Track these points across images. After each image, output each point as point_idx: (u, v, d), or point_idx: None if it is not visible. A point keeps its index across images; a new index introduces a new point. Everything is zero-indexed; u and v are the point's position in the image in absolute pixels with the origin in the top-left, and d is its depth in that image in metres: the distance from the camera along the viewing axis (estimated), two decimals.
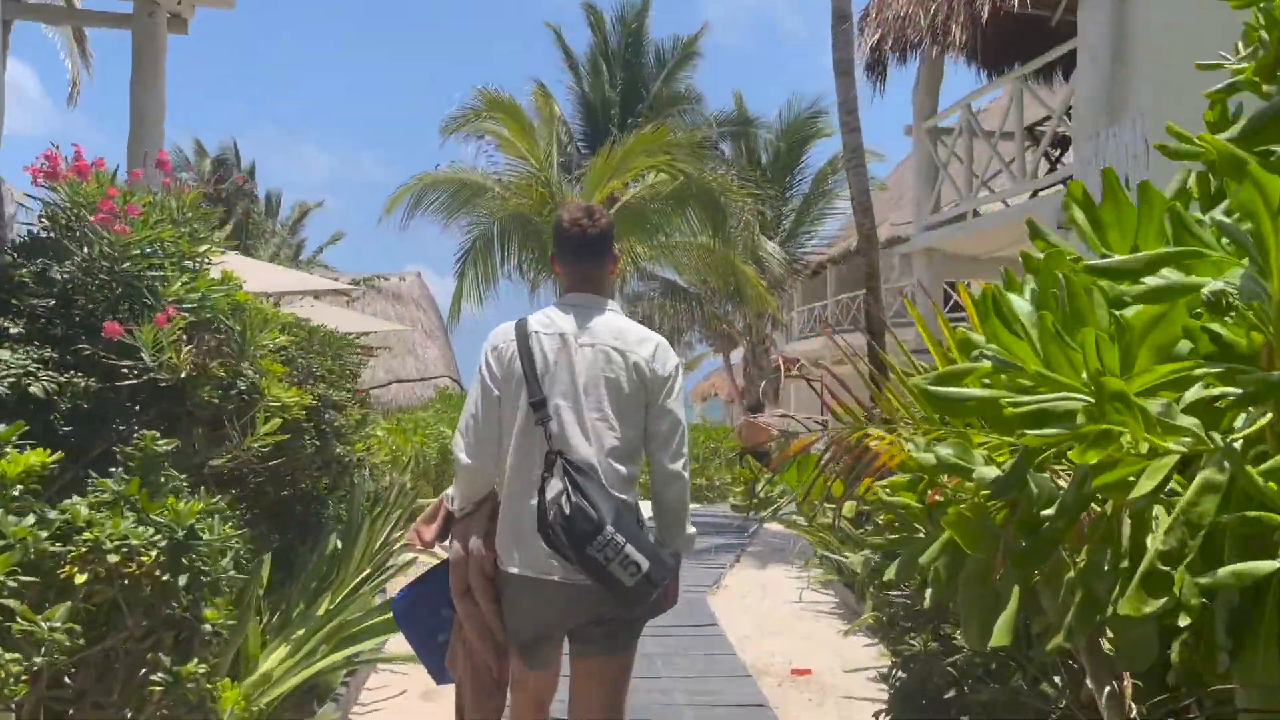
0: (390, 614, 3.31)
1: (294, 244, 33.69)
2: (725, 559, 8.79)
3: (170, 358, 3.26)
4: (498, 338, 2.68)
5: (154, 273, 3.49)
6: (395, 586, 3.88)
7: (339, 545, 4.98)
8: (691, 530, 2.73)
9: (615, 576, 2.42)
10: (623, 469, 2.60)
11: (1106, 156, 6.22)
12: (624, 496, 2.57)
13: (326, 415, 4.67)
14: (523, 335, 2.63)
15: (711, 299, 25.75)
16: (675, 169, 11.49)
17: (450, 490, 2.77)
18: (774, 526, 11.47)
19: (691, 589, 7.30)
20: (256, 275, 10.20)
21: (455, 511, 2.72)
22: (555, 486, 2.48)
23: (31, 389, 3.09)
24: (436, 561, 2.86)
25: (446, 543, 2.76)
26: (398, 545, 5.29)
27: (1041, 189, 7.99)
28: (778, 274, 22.11)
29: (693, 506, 2.89)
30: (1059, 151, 8.50)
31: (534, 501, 2.50)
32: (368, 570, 5.18)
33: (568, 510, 2.43)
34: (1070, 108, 7.83)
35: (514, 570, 2.57)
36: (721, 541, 9.78)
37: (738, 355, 36.58)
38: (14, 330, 3.24)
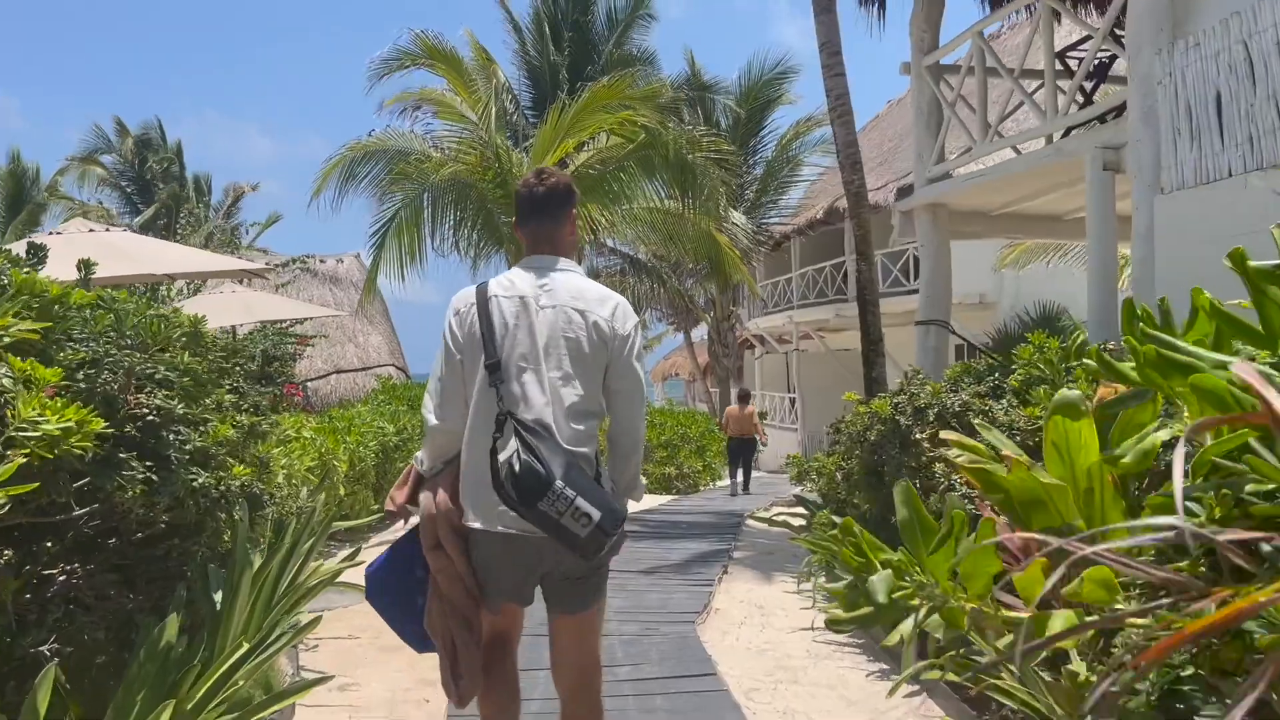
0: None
1: (228, 229, 31.85)
2: (712, 571, 7.56)
3: None
4: (459, 302, 2.75)
5: None
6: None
7: (217, 605, 3.63)
8: (642, 482, 2.91)
9: (567, 528, 2.49)
10: (581, 426, 2.67)
11: (1183, 73, 5.04)
12: (581, 449, 2.64)
13: (172, 436, 3.32)
14: (482, 299, 2.70)
15: (675, 273, 24.54)
16: (636, 126, 10.16)
17: (420, 453, 2.88)
18: (755, 523, 10.25)
19: (678, 617, 6.05)
20: (150, 255, 8.71)
21: (425, 473, 2.82)
22: (509, 446, 2.55)
23: None
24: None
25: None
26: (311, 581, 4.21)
27: (1076, 126, 6.77)
28: (744, 245, 20.92)
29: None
30: (1093, 84, 7.32)
31: (488, 460, 2.57)
32: (262, 634, 3.85)
33: (517, 468, 2.50)
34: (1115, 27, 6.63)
35: (475, 525, 2.66)
36: (706, 548, 8.54)
37: (699, 332, 35.47)
38: None
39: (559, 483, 2.49)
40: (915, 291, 21.25)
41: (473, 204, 10.28)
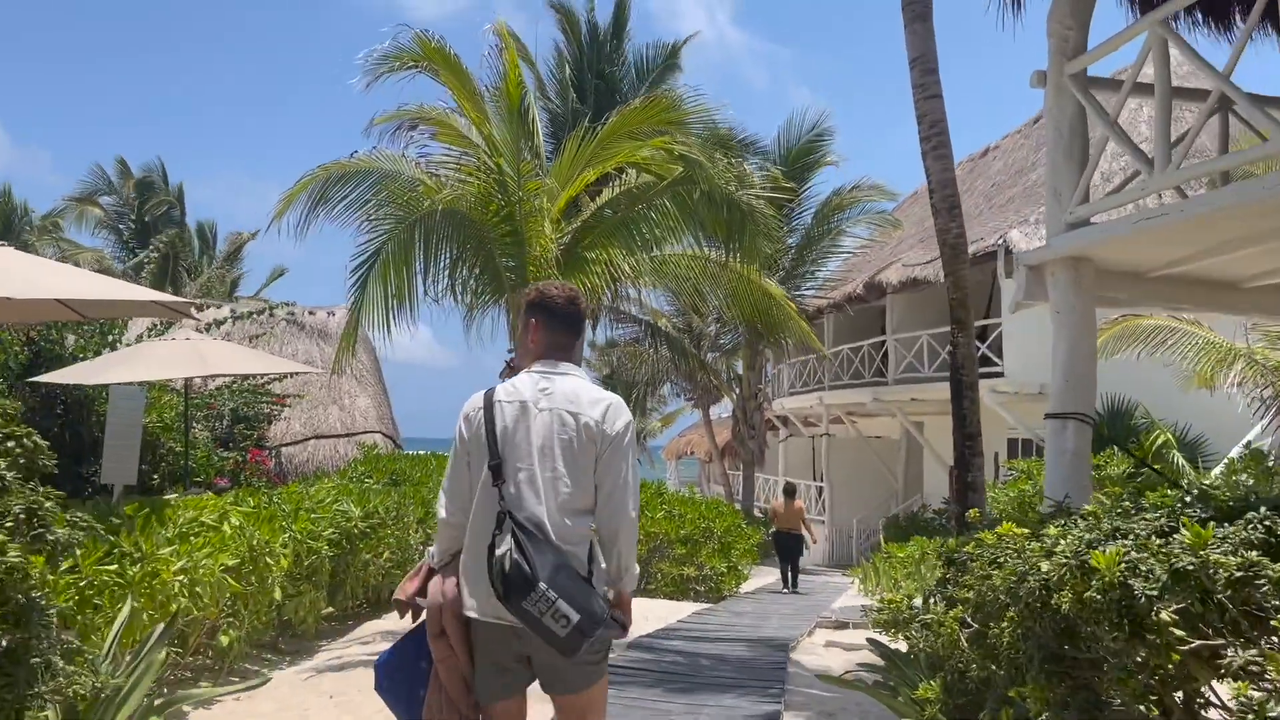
0: None
1: (229, 279, 30.23)
2: None
3: None
4: (469, 407, 2.97)
5: None
6: None
7: None
8: (635, 570, 3.00)
9: (548, 627, 2.66)
10: (571, 523, 2.84)
11: None
12: (572, 548, 2.82)
13: None
14: (488, 404, 2.92)
15: (697, 344, 22.65)
16: (673, 155, 8.30)
17: (432, 547, 3.04)
18: (811, 658, 8.08)
19: None
20: (21, 278, 6.66)
21: (435, 565, 2.99)
22: (505, 543, 2.73)
23: None
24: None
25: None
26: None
27: None
28: (778, 316, 18.99)
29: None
30: None
31: (486, 554, 2.77)
32: None
33: (507, 567, 2.69)
34: None
35: (472, 614, 2.85)
36: (746, 710, 6.16)
37: (717, 410, 33.45)
38: None
39: (543, 585, 2.67)
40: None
41: (472, 241, 8.37)
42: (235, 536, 7.04)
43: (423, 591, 2.98)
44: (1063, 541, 3.55)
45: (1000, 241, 17.28)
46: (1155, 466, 8.89)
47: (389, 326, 7.89)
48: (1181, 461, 15.33)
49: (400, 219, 8.09)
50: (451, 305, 8.66)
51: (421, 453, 16.66)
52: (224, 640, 6.74)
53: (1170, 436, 15.37)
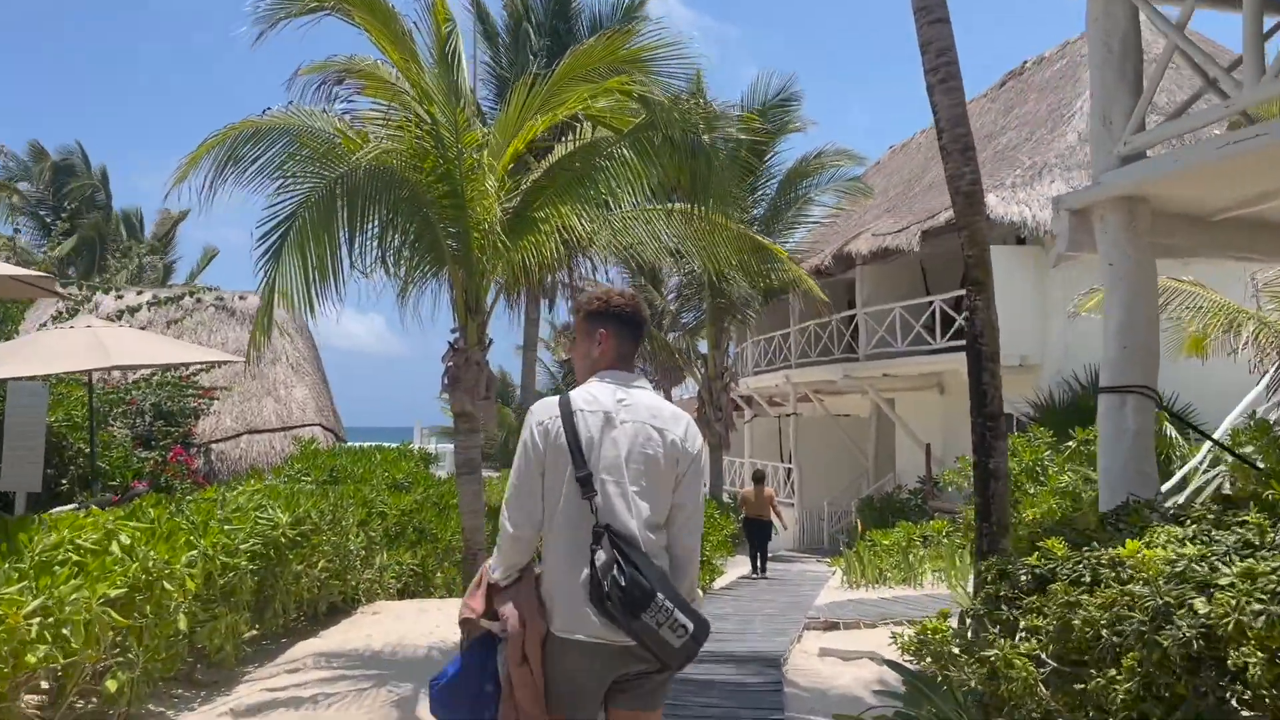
0: None
1: (160, 266, 28.57)
2: None
3: None
4: (542, 413, 2.85)
5: None
6: None
7: None
8: (699, 593, 3.14)
9: (665, 639, 2.64)
10: (655, 538, 2.79)
11: None
12: (660, 562, 2.77)
13: None
14: (567, 413, 2.82)
15: (660, 320, 21.58)
16: (633, 100, 7.19)
17: (491, 561, 2.91)
18: (807, 675, 7.07)
19: None
20: None
21: (500, 581, 2.83)
22: (602, 557, 2.66)
23: None
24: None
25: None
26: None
27: None
28: (744, 291, 18.00)
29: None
30: None
31: (584, 571, 2.69)
32: None
33: (624, 582, 2.61)
34: None
35: (561, 634, 2.73)
36: None
37: (680, 391, 32.39)
38: None
39: (660, 595, 2.63)
40: (941, 350, 18.50)
41: (405, 204, 7.20)
42: (124, 559, 5.87)
43: (489, 610, 2.87)
44: (1224, 568, 2.54)
45: None
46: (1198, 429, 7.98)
47: (310, 304, 6.70)
48: (1174, 435, 14.60)
49: (321, 178, 6.89)
50: (388, 282, 7.45)
51: (365, 445, 15.45)
52: (111, 686, 5.58)
53: (1160, 410, 14.60)
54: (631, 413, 2.85)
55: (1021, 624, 3.54)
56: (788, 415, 23.83)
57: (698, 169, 7.26)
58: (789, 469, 23.53)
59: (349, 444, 15.81)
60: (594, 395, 2.87)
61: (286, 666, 7.64)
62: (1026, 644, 3.43)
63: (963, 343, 16.98)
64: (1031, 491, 14.36)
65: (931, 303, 18.01)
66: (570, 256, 7.86)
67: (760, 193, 18.94)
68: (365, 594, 10.65)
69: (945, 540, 13.90)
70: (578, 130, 8.33)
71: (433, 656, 7.97)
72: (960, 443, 19.48)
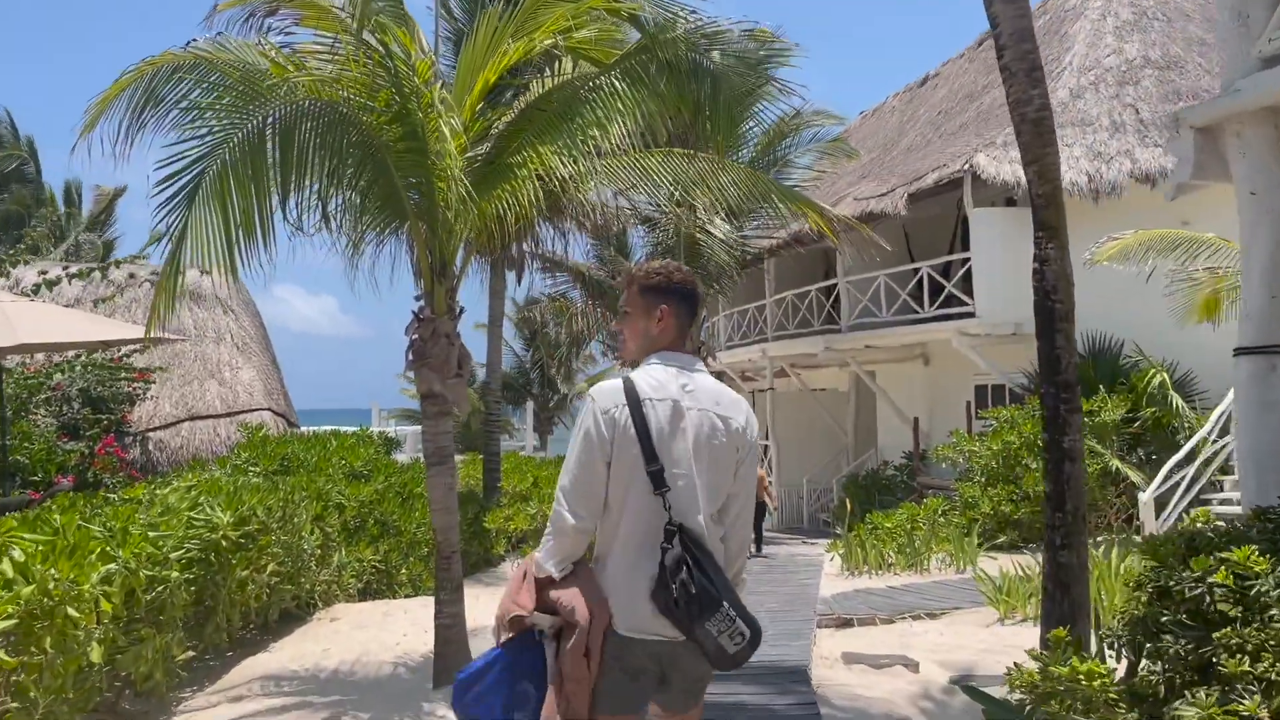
0: None
1: (100, 244, 26.92)
2: None
3: None
4: (606, 400, 2.70)
5: None
6: None
7: None
8: (745, 577, 2.87)
9: (723, 646, 2.60)
10: (716, 529, 2.73)
11: None
12: (716, 554, 2.69)
13: None
14: (635, 402, 2.68)
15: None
16: (623, 20, 6.12)
17: (539, 554, 2.76)
18: (840, 689, 6.11)
19: None
20: None
21: (555, 574, 2.71)
22: (675, 556, 2.59)
23: None
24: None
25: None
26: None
27: None
28: (722, 261, 17.00)
29: None
30: None
31: (651, 569, 2.62)
32: None
33: (694, 589, 2.56)
34: None
35: (626, 633, 2.65)
36: None
37: None
38: None
39: (725, 604, 2.59)
40: (928, 319, 17.66)
41: (355, 149, 6.08)
42: (16, 581, 4.75)
43: (542, 605, 2.71)
44: None
45: (966, 167, 15.51)
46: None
47: (232, 265, 5.54)
48: (1180, 404, 13.90)
49: (247, 114, 5.73)
50: (319, 232, 6.32)
51: (319, 430, 14.28)
52: None
53: (1166, 376, 13.88)
54: (696, 400, 2.74)
55: (1224, 668, 2.59)
56: (763, 390, 22.94)
57: (701, 94, 6.21)
58: (765, 446, 22.67)
59: (302, 429, 14.62)
60: (659, 381, 2.73)
61: (229, 693, 6.56)
62: (1245, 702, 2.47)
63: (951, 310, 16.06)
64: (1033, 466, 13.63)
65: (918, 269, 17.14)
66: (551, 208, 6.78)
67: (735, 156, 17.86)
68: (322, 597, 9.56)
69: (942, 519, 13.09)
70: (557, 67, 7.24)
71: (399, 675, 6.92)
72: (946, 415, 18.73)
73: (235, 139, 5.66)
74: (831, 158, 17.96)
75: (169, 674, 6.28)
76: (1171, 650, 2.87)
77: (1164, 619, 2.95)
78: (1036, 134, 5.01)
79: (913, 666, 6.63)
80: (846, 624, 8.40)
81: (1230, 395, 13.88)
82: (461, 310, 6.64)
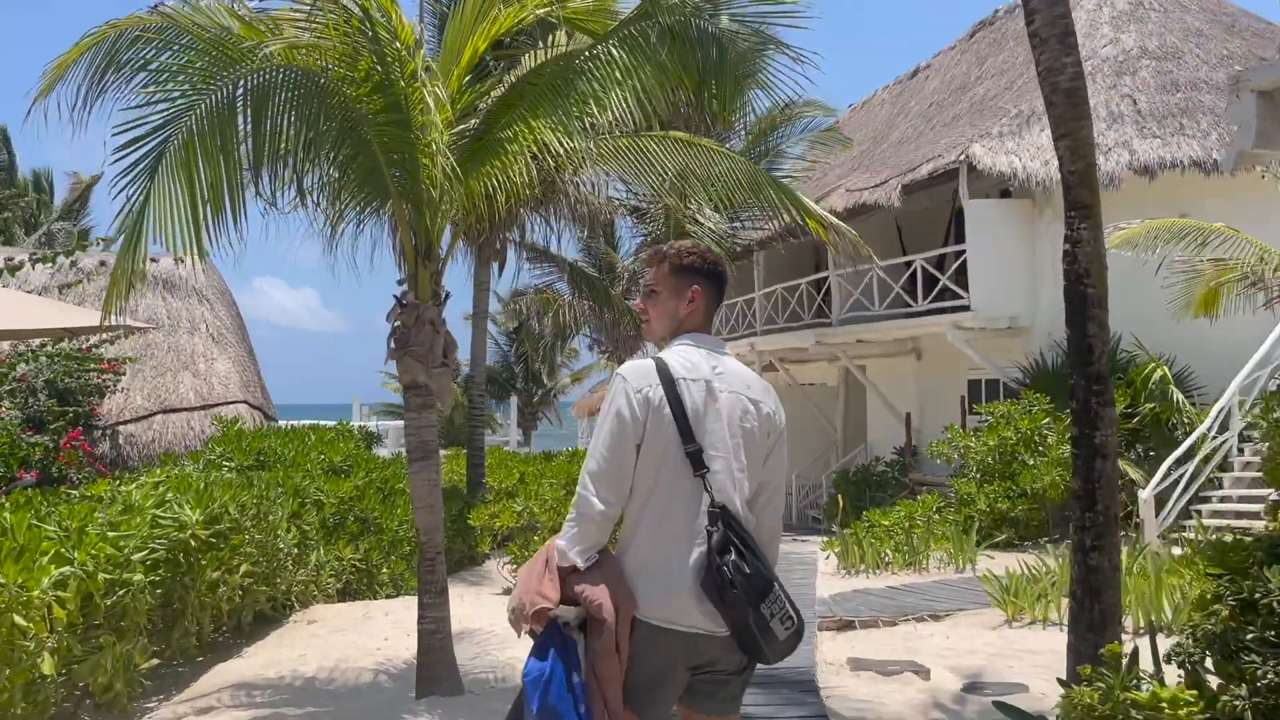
0: None
1: (74, 233, 26.31)
2: None
3: None
4: (638, 379, 2.60)
5: None
6: None
7: None
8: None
9: (773, 631, 2.50)
10: (751, 517, 2.64)
11: None
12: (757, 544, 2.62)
13: None
14: (669, 381, 2.60)
15: (616, 284, 20.08)
16: None
17: (561, 542, 2.63)
18: (847, 700, 5.76)
19: None
20: None
21: (580, 563, 2.59)
22: (720, 538, 2.51)
23: None
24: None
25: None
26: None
27: None
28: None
29: None
30: None
31: (693, 555, 2.54)
32: None
33: (748, 569, 2.48)
34: None
35: (656, 622, 2.54)
36: None
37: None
38: None
39: (777, 585, 2.53)
40: (922, 313, 17.34)
41: (334, 121, 5.67)
42: None
43: (566, 596, 2.58)
44: None
45: (962, 158, 15.19)
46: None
47: (198, 243, 5.11)
48: (1181, 399, 13.65)
49: (217, 81, 5.31)
50: (293, 210, 5.91)
51: (298, 424, 13.84)
52: None
53: (1167, 371, 13.62)
54: (727, 383, 2.67)
55: None
56: None
57: (705, 63, 5.83)
58: None
59: (279, 423, 14.17)
60: (691, 361, 2.65)
61: (196, 703, 6.15)
62: None
63: (945, 304, 15.73)
64: (1030, 463, 13.36)
65: (911, 262, 16.83)
66: (540, 194, 6.40)
67: (727, 145, 17.51)
68: (299, 598, 9.15)
69: (938, 516, 12.78)
70: (551, 39, 6.86)
71: (380, 683, 6.52)
72: (938, 411, 18.44)
73: (204, 106, 5.24)
74: (824, 147, 17.62)
75: (131, 684, 5.88)
76: (1260, 673, 2.52)
77: (1249, 636, 2.60)
78: (1070, 105, 4.67)
79: (923, 673, 6.30)
80: (848, 626, 8.06)
81: (1229, 391, 13.71)
82: (447, 296, 6.25)
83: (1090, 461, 4.72)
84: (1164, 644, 3.13)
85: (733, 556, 2.48)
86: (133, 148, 4.95)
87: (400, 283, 6.15)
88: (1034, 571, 8.53)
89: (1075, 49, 4.70)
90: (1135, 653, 3.16)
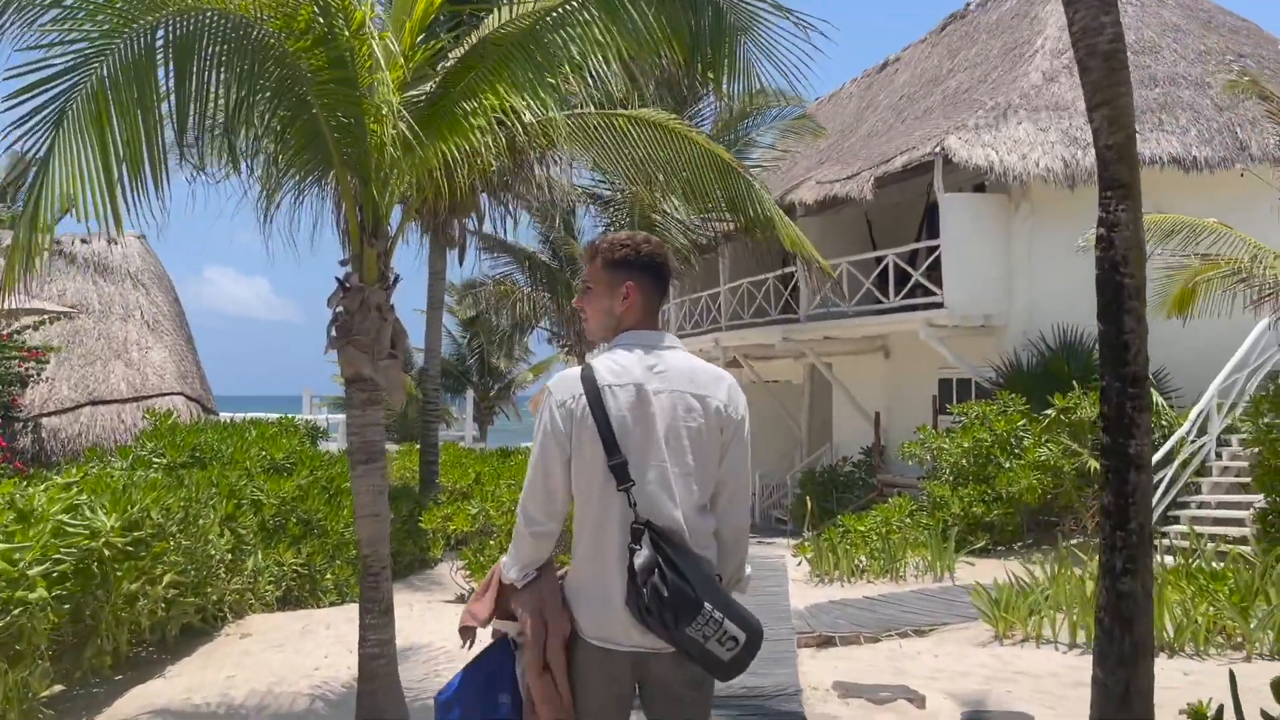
0: None
1: (7, 217, 25.02)
2: None
3: None
4: (563, 391, 2.49)
5: None
6: None
7: None
8: (748, 571, 2.65)
9: (710, 652, 2.37)
10: (705, 523, 2.50)
11: None
12: (707, 554, 2.48)
13: None
14: (592, 389, 2.46)
15: (576, 275, 19.45)
16: None
17: (505, 559, 2.60)
18: (826, 704, 5.20)
19: None
20: None
21: (516, 582, 2.56)
22: (644, 557, 2.37)
23: None
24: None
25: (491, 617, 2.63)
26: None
27: None
28: (679, 244, 16.06)
29: None
30: None
31: (620, 573, 2.41)
32: None
33: (666, 592, 2.33)
34: None
35: (592, 641, 2.46)
36: None
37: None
38: None
39: (708, 605, 2.35)
40: (893, 310, 16.90)
41: (270, 78, 4.97)
42: None
43: (503, 614, 2.56)
44: None
45: (937, 150, 14.73)
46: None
47: (113, 208, 4.40)
48: (1161, 402, 13.30)
49: (136, 26, 4.59)
50: (227, 175, 5.21)
51: (240, 417, 13.03)
52: None
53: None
54: (666, 380, 2.49)
55: None
56: None
57: (700, 26, 5.22)
58: None
59: (220, 416, 13.34)
60: (621, 365, 2.49)
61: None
62: None
63: (917, 301, 15.26)
64: (1006, 465, 12.94)
65: (883, 258, 16.38)
66: (510, 164, 5.78)
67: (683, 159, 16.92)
68: (233, 608, 8.42)
69: (910, 520, 12.32)
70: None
71: (316, 711, 5.85)
72: (906, 410, 18.03)
73: (119, 52, 4.52)
74: (795, 136, 17.10)
75: (28, 715, 5.15)
76: None
77: None
78: (1108, 69, 4.11)
79: (917, 700, 5.77)
80: (828, 643, 7.53)
81: (1208, 394, 13.43)
82: (397, 279, 5.58)
83: (1123, 474, 4.18)
84: (1167, 665, 2.59)
85: (653, 577, 2.34)
86: (34, 93, 4.22)
87: (344, 263, 5.47)
88: (1022, 583, 8.05)
89: (1115, 7, 4.15)
90: (1220, 713, 2.61)
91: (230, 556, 8.27)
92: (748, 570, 2.65)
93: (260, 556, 9.19)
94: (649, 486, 2.43)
